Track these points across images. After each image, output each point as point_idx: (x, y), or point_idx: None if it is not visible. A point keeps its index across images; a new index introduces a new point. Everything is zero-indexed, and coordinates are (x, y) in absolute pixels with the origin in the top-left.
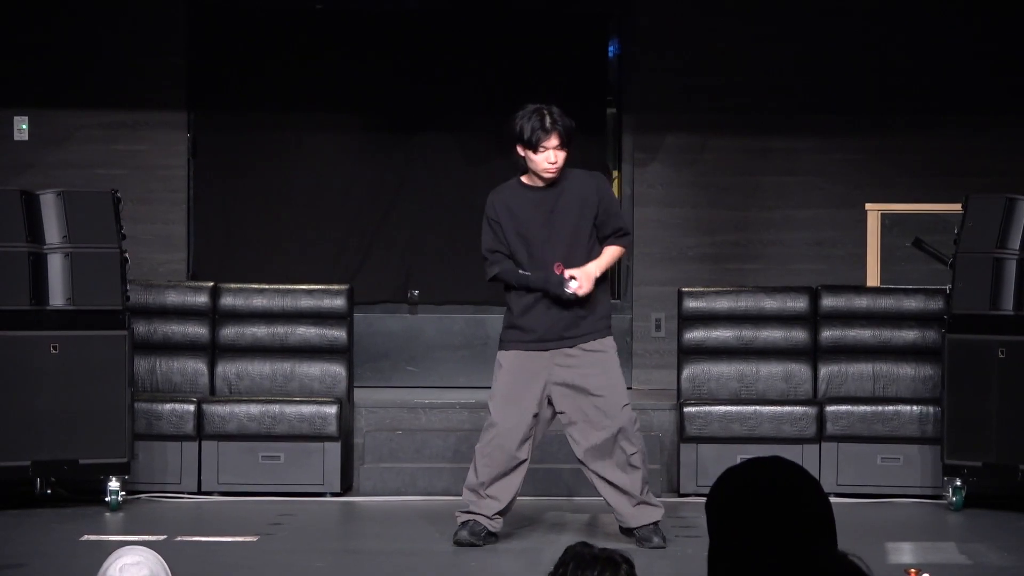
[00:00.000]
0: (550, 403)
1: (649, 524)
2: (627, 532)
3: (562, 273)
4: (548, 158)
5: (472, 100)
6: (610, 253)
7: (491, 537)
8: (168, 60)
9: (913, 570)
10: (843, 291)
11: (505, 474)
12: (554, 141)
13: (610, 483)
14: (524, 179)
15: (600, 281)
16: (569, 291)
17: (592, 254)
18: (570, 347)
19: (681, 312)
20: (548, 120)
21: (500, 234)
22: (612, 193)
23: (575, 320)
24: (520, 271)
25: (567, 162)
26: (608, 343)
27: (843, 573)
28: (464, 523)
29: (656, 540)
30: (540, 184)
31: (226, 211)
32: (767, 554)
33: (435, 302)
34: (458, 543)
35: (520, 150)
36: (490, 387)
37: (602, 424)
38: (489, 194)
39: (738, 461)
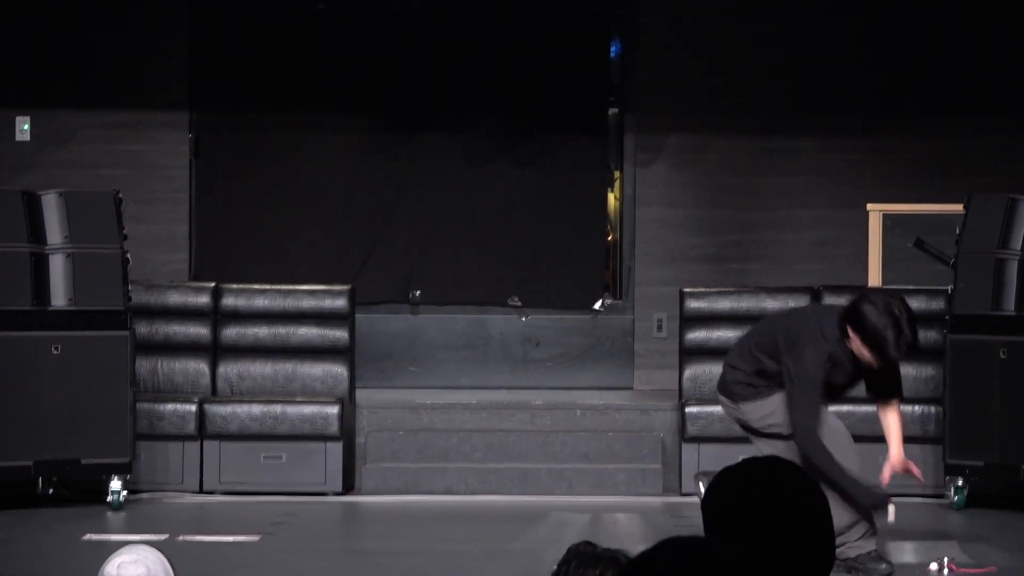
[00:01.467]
0: None
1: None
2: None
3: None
4: (880, 364)
5: (474, 100)
6: (900, 424)
7: None
8: (170, 60)
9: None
10: (845, 291)
11: None
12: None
13: None
14: (849, 346)
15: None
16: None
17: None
18: None
19: (683, 312)
20: (904, 341)
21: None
22: None
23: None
24: (844, 473)
25: None
26: None
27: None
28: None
29: None
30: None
31: (228, 211)
32: (762, 554)
33: (437, 302)
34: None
35: (854, 334)
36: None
37: None
38: (830, 339)
39: (739, 461)
